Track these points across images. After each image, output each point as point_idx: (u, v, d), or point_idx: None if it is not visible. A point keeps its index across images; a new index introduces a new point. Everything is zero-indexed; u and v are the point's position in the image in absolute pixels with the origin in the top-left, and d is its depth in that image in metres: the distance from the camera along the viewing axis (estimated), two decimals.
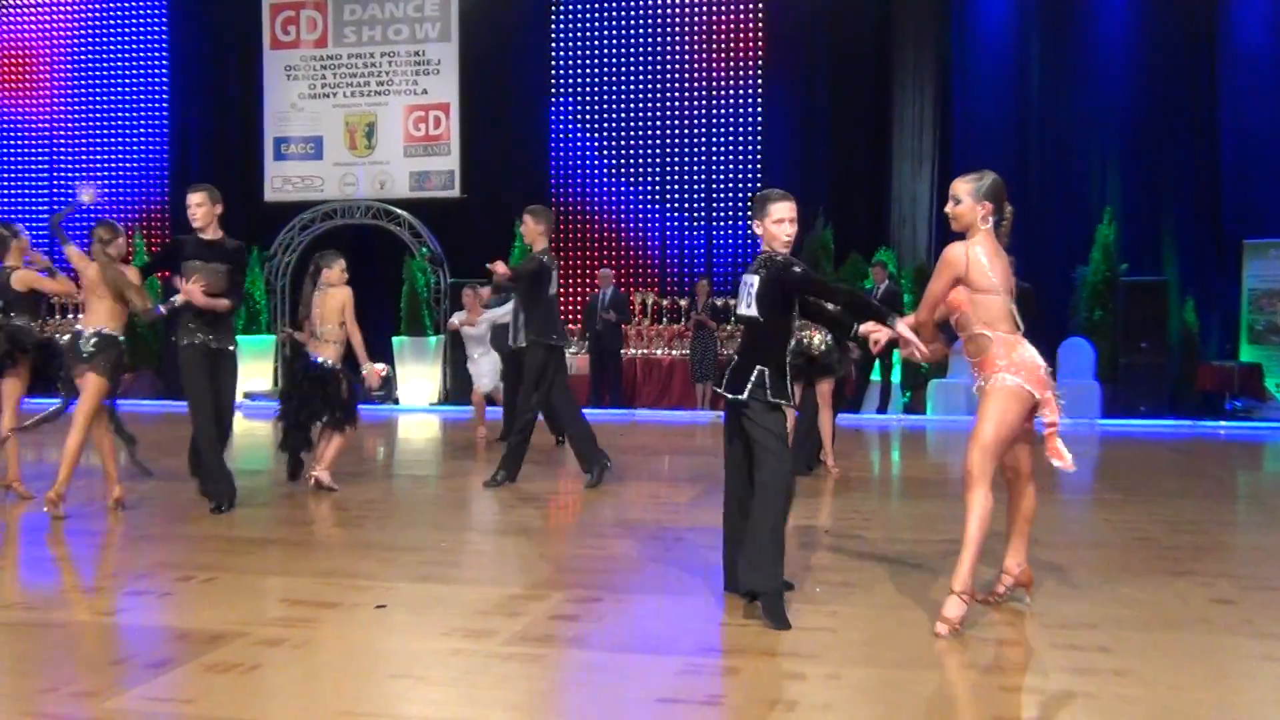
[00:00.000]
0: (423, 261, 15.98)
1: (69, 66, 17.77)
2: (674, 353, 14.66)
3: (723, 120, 15.78)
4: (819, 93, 15.50)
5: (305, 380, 7.49)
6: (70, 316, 16.28)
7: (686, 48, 15.87)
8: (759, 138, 15.66)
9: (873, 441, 11.51)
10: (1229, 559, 5.80)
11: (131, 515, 6.62)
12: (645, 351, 14.78)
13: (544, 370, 7.57)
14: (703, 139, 15.86)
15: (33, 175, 17.95)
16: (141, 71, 17.67)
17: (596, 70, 16.21)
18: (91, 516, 6.66)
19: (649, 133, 16.03)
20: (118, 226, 6.72)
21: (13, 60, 17.95)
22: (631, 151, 16.11)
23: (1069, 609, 4.56)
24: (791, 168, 15.27)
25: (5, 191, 18.08)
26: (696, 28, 15.84)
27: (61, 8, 17.82)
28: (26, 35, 17.92)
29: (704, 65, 15.79)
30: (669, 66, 15.92)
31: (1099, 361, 13.43)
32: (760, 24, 15.64)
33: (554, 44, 16.32)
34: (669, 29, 15.94)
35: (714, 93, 15.79)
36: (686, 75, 15.85)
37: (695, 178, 15.88)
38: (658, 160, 16.01)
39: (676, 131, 15.92)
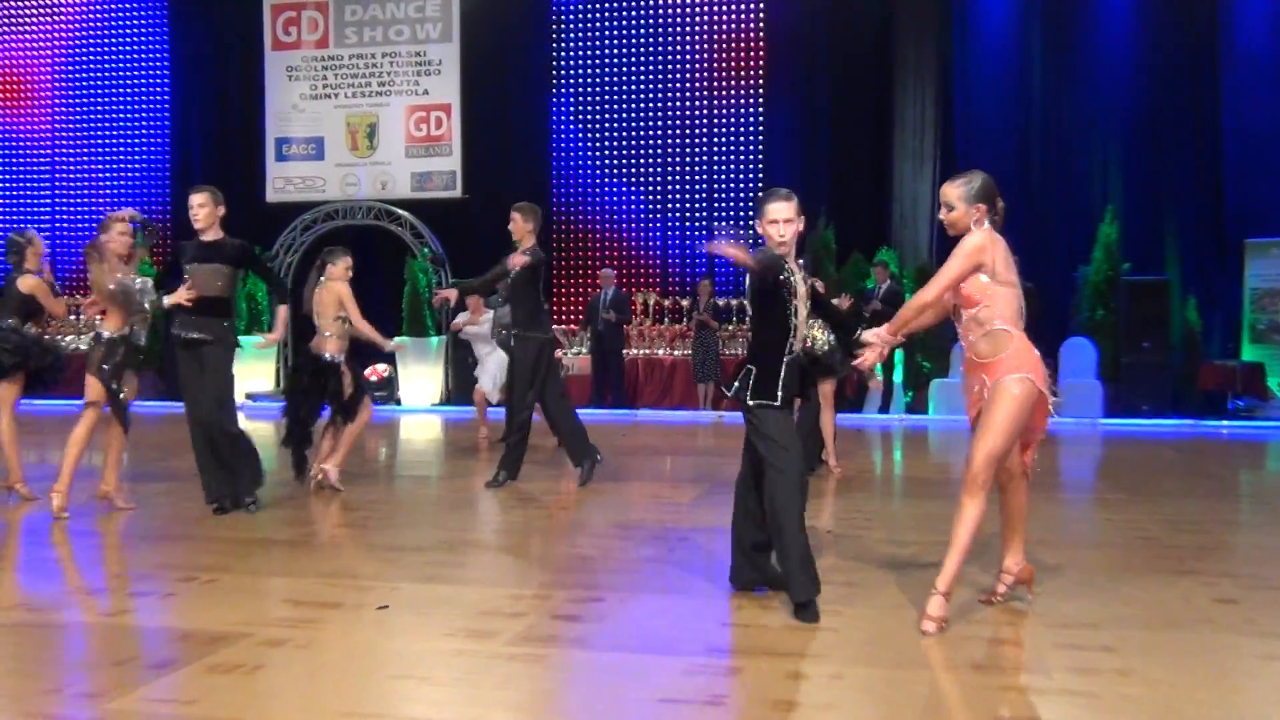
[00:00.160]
0: (424, 262, 15.99)
1: (70, 68, 17.77)
2: (676, 353, 14.66)
3: (724, 119, 15.78)
4: (820, 92, 15.50)
5: (306, 375, 7.51)
6: (73, 318, 16.32)
7: (687, 46, 15.87)
8: (760, 137, 15.67)
9: (875, 441, 11.51)
10: (1232, 558, 5.80)
11: (134, 516, 6.63)
12: (647, 352, 14.78)
13: (537, 365, 7.60)
14: (704, 138, 15.86)
15: (35, 176, 17.95)
16: (143, 72, 17.68)
17: (598, 69, 16.22)
18: (94, 517, 6.66)
19: (650, 132, 16.02)
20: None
21: (14, 61, 17.96)
22: (633, 151, 16.11)
23: (1071, 608, 4.55)
24: (793, 167, 15.27)
25: (7, 192, 18.09)
26: (698, 26, 15.84)
27: (63, 9, 17.82)
28: (28, 37, 17.93)
29: (705, 64, 15.79)
30: (670, 65, 15.92)
31: (1101, 361, 13.43)
32: (761, 23, 15.64)
33: (555, 43, 16.32)
34: (670, 28, 15.94)
35: (715, 91, 15.79)
36: (688, 74, 15.85)
37: (697, 177, 15.88)
38: (659, 159, 16.01)
39: (678, 130, 15.92)
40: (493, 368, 10.61)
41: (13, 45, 17.97)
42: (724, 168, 15.85)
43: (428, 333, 15.52)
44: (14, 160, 18.03)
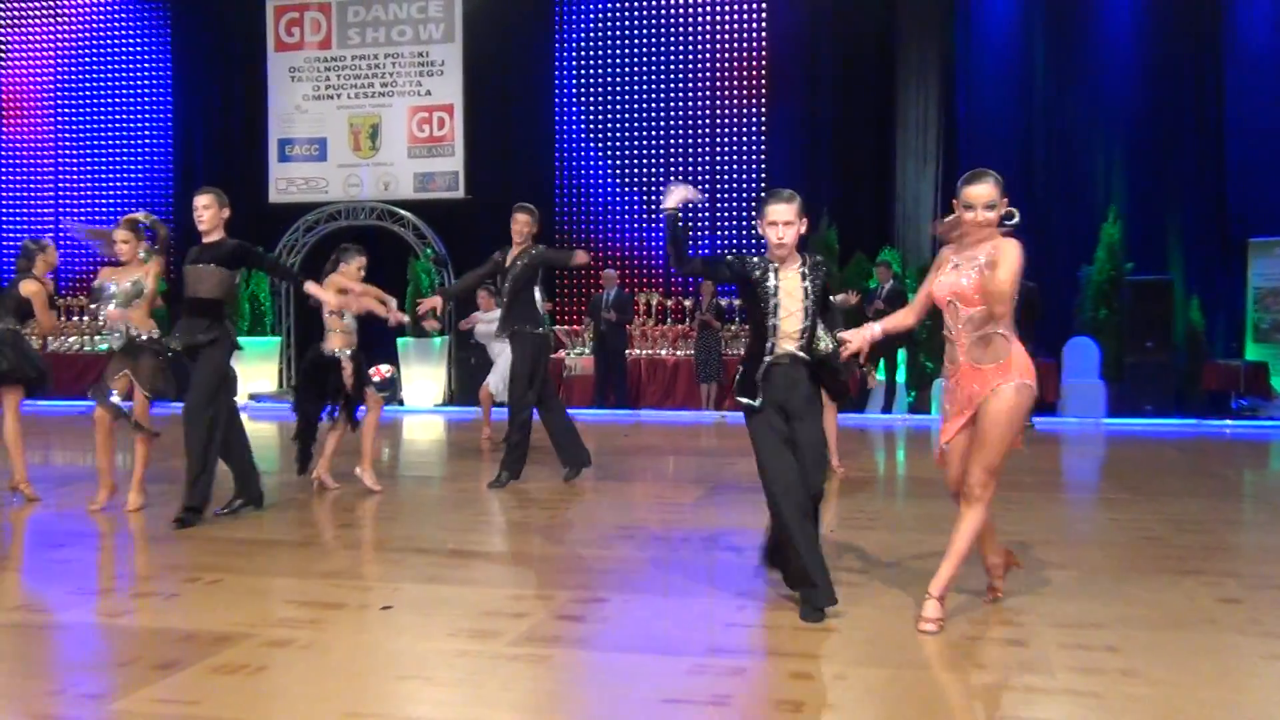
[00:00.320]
0: (427, 262, 15.99)
1: (72, 70, 17.78)
2: (679, 353, 14.66)
3: (727, 119, 15.78)
4: (823, 92, 15.49)
5: (311, 369, 7.54)
6: (76, 319, 16.35)
7: (690, 46, 15.87)
8: (763, 136, 15.67)
9: (877, 442, 11.50)
10: (1236, 558, 5.78)
11: (137, 517, 6.63)
12: (650, 352, 14.78)
13: (536, 361, 7.63)
14: (707, 138, 15.86)
15: (38, 181, 17.97)
16: (145, 75, 17.68)
17: (600, 69, 16.22)
18: (97, 518, 6.67)
19: (653, 132, 16.02)
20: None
21: (17, 64, 17.98)
22: (635, 151, 16.10)
23: (1075, 608, 4.55)
24: (796, 166, 15.28)
25: (10, 196, 18.11)
26: (700, 27, 15.84)
27: (65, 13, 17.84)
28: (30, 41, 17.95)
29: (708, 64, 15.79)
30: (673, 65, 15.92)
31: (1104, 361, 13.41)
32: (764, 24, 15.63)
33: (557, 43, 16.32)
34: (673, 28, 15.94)
35: (718, 91, 15.79)
36: (690, 74, 15.86)
37: (700, 176, 15.87)
38: (662, 159, 16.00)
39: (680, 130, 15.92)
40: (504, 367, 10.62)
41: (15, 48, 17.99)
42: (726, 167, 15.84)
43: (430, 333, 15.52)
44: (17, 163, 18.05)
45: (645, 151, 16.07)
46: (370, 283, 7.59)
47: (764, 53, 15.63)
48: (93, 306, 6.73)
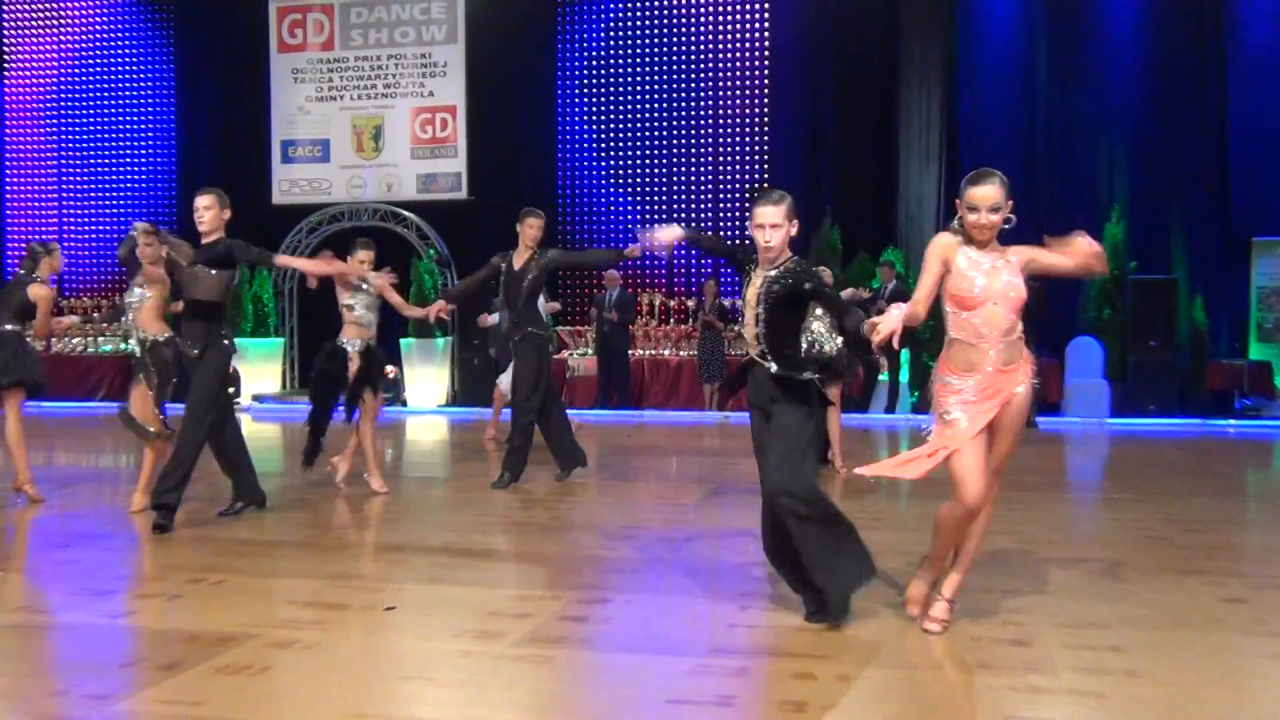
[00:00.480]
0: (430, 263, 16.00)
1: (76, 73, 17.79)
2: (682, 353, 14.65)
3: (729, 120, 15.77)
4: (825, 92, 15.48)
5: (324, 358, 7.50)
6: (75, 319, 16.33)
7: (692, 47, 15.87)
8: (765, 137, 15.66)
9: (880, 441, 11.49)
10: (1240, 558, 5.78)
11: (139, 519, 6.63)
12: (653, 352, 14.78)
13: (541, 364, 7.65)
14: (709, 138, 15.86)
15: (41, 183, 17.99)
16: (148, 76, 17.68)
17: (603, 70, 16.22)
18: (100, 519, 6.68)
19: (656, 132, 16.02)
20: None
21: (20, 67, 18.00)
22: (638, 151, 16.10)
23: (1079, 608, 4.54)
24: (798, 167, 15.28)
25: (14, 200, 18.13)
26: (702, 27, 15.83)
27: (68, 16, 17.85)
28: (34, 45, 17.97)
29: (710, 64, 15.79)
30: (675, 66, 15.92)
31: (1108, 360, 13.39)
32: (766, 24, 15.63)
33: (560, 44, 16.33)
34: (675, 29, 15.94)
35: (720, 92, 15.78)
36: (693, 74, 15.85)
37: (702, 176, 15.87)
38: (664, 160, 16.00)
39: (683, 130, 15.92)
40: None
41: (20, 53, 18.01)
42: (729, 167, 15.84)
43: (434, 334, 15.54)
44: (22, 166, 18.07)
45: (648, 152, 16.07)
46: None
47: (766, 53, 15.63)
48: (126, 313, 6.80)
